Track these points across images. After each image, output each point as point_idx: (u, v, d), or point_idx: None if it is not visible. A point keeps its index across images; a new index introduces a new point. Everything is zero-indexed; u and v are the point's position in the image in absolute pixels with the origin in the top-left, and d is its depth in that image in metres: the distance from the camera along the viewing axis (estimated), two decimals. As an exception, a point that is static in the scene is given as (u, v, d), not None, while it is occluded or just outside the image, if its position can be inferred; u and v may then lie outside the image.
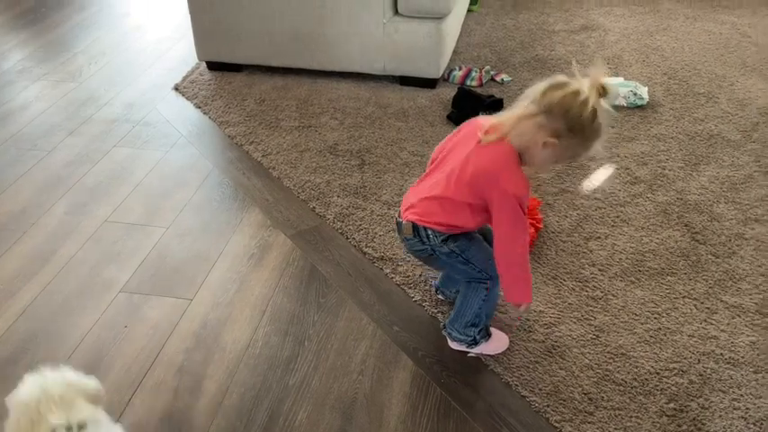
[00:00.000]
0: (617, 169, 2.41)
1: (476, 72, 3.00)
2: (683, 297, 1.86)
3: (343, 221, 2.20)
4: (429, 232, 1.56)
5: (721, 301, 1.85)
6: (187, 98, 2.96)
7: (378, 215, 2.21)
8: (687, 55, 3.21)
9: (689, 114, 2.73)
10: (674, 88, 2.92)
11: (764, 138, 2.56)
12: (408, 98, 2.89)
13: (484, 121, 1.52)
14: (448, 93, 2.89)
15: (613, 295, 1.88)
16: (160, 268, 2.03)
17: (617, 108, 2.75)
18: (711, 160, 2.44)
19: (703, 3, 3.80)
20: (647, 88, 2.83)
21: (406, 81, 2.98)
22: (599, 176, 2.37)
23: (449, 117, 2.73)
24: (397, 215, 1.64)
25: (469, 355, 1.71)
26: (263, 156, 2.54)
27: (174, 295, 1.93)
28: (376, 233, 2.14)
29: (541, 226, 2.11)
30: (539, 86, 1.42)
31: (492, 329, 1.74)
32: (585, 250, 2.04)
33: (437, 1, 2.73)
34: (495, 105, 2.75)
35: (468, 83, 2.96)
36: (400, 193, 2.30)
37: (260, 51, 3.04)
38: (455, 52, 3.19)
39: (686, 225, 2.13)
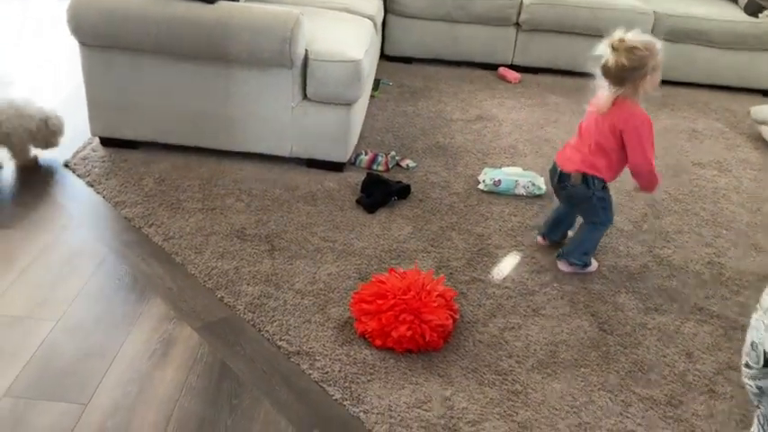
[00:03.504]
0: (523, 257, 2.47)
1: (382, 157, 3.03)
2: (599, 389, 1.90)
3: (254, 312, 2.09)
4: (596, 181, 2.24)
5: (634, 393, 1.90)
6: (78, 176, 2.76)
7: (291, 305, 2.12)
8: (576, 147, 3.41)
9: (584, 205, 2.87)
10: (567, 179, 3.07)
11: (653, 228, 2.74)
12: (316, 181, 2.86)
13: (591, 112, 2.29)
14: (355, 177, 2.89)
15: (533, 389, 1.88)
16: (49, 369, 1.82)
17: (517, 197, 2.86)
18: (608, 250, 2.57)
19: (588, 97, 4.08)
20: (543, 178, 2.96)
21: (313, 164, 2.95)
22: (507, 264, 2.42)
23: (358, 202, 2.72)
24: (554, 167, 2.35)
25: None
26: (164, 240, 2.40)
27: (65, 400, 1.73)
28: (291, 325, 2.04)
29: (458, 316, 2.10)
30: (600, 86, 2.20)
31: None
32: (501, 341, 2.05)
33: (346, 89, 2.75)
34: (403, 191, 2.77)
35: (375, 168, 2.98)
36: (314, 281, 2.23)
37: (159, 128, 2.91)
38: (360, 136, 3.22)
39: (593, 315, 2.21)
